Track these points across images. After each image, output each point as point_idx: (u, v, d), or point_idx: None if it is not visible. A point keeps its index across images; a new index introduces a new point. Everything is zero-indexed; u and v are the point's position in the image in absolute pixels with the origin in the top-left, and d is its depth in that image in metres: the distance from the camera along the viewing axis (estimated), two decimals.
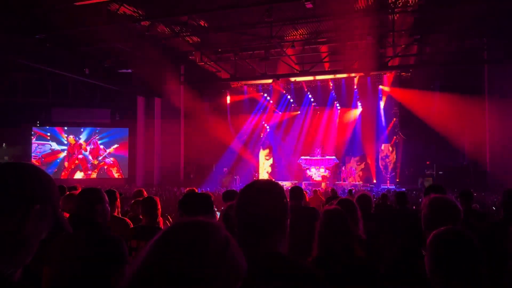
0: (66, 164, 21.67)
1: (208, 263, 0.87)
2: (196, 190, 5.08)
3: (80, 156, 21.79)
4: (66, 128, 21.92)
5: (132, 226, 3.83)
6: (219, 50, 16.87)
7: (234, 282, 0.91)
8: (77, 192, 3.48)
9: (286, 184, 17.01)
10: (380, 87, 20.53)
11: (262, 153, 23.48)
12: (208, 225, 0.94)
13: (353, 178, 21.50)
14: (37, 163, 20.42)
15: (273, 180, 1.69)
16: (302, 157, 22.64)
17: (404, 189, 17.45)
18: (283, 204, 1.53)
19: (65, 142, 21.83)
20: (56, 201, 1.12)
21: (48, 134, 21.70)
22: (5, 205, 1.01)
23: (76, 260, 2.38)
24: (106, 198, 2.74)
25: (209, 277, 0.86)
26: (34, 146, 21.56)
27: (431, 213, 2.13)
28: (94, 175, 21.84)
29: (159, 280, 0.84)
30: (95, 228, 2.56)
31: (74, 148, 21.86)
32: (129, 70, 18.62)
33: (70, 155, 21.78)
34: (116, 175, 22.00)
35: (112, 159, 22.15)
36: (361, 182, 20.85)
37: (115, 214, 3.82)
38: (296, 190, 4.15)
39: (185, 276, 0.84)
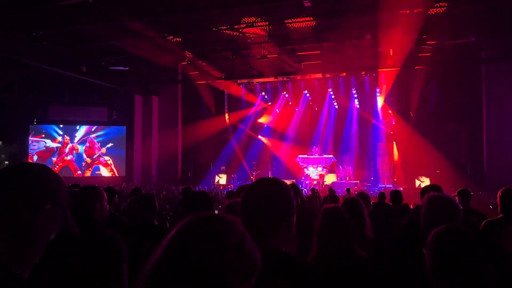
0: (54, 160, 21.58)
1: (227, 256, 0.88)
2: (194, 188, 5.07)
3: (69, 157, 21.71)
4: (62, 126, 21.84)
5: (128, 224, 3.82)
6: (217, 48, 16.84)
7: (250, 275, 0.93)
8: (77, 189, 3.47)
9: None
10: (378, 86, 20.53)
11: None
12: (227, 219, 0.96)
13: (350, 177, 21.51)
14: (30, 161, 20.49)
15: (279, 178, 1.69)
16: (300, 156, 22.64)
17: (401, 188, 17.52)
18: (288, 203, 1.53)
19: (59, 140, 21.78)
20: (66, 203, 1.14)
21: (43, 131, 21.62)
22: (17, 203, 1.03)
23: (75, 259, 2.37)
24: (105, 196, 2.74)
25: (228, 270, 0.87)
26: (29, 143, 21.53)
27: (430, 211, 2.12)
28: (88, 174, 21.79)
29: (179, 273, 0.85)
30: (94, 226, 2.56)
31: (65, 148, 21.80)
32: (127, 68, 18.58)
33: (60, 154, 21.72)
34: (109, 174, 21.95)
35: (106, 157, 22.11)
36: (358, 181, 20.87)
37: (112, 211, 3.81)
38: (293, 188, 4.13)
39: (205, 269, 0.85)
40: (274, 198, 1.50)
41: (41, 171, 1.12)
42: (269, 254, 1.41)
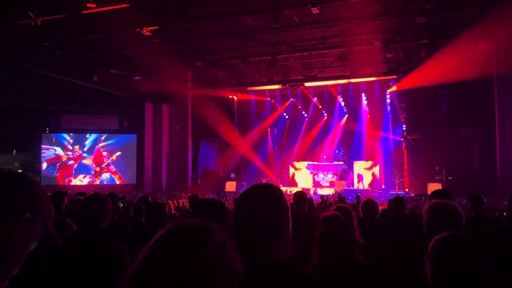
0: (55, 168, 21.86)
1: (203, 265, 0.87)
2: (199, 196, 5.07)
3: (70, 162, 21.97)
4: (72, 134, 22.10)
5: (132, 231, 3.83)
6: (227, 56, 16.92)
7: (229, 285, 0.91)
8: (82, 197, 3.50)
9: (293, 190, 16.90)
10: (388, 92, 20.40)
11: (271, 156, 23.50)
12: (204, 227, 0.94)
13: (361, 184, 21.35)
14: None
15: (273, 184, 1.63)
16: (310, 163, 22.56)
17: (412, 194, 17.30)
18: (282, 209, 1.48)
19: (70, 148, 22.07)
20: (47, 213, 1.10)
21: (54, 139, 21.92)
22: None
23: (79, 267, 2.38)
24: (111, 204, 2.75)
25: (204, 279, 0.86)
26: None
27: (431, 219, 2.09)
28: (97, 182, 21.98)
29: (155, 283, 0.84)
30: (99, 235, 2.57)
31: (71, 156, 22.12)
32: (138, 77, 18.78)
33: (64, 162, 22.03)
34: (117, 182, 22.09)
35: (112, 167, 22.31)
36: (369, 188, 20.69)
37: (115, 218, 3.83)
38: (298, 196, 4.05)
39: (181, 279, 0.84)
40: (267, 205, 1.45)
41: (20, 179, 1.08)
42: (267, 265, 1.38)
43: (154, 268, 0.86)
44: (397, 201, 5.13)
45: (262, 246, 1.41)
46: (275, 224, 1.44)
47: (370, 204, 4.44)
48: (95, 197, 2.73)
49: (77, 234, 2.61)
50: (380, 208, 6.17)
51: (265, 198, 1.48)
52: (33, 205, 1.06)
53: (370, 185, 21.28)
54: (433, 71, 16.96)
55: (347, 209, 2.75)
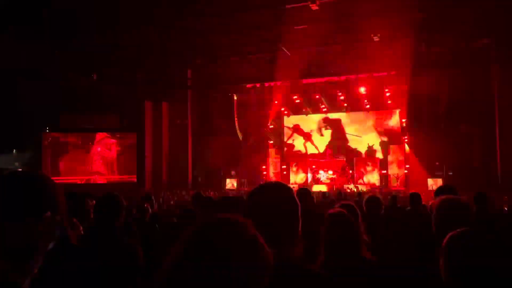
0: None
1: (242, 256, 0.90)
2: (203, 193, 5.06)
3: (71, 161, 22.03)
4: (72, 133, 22.09)
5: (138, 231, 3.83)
6: (227, 53, 16.90)
7: (264, 276, 0.94)
8: (86, 198, 3.51)
9: (295, 186, 16.92)
10: (387, 88, 20.36)
11: (271, 153, 23.47)
12: (238, 221, 0.97)
13: (362, 180, 21.36)
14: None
15: (283, 183, 1.67)
16: (310, 159, 22.56)
17: (413, 191, 17.31)
18: (293, 208, 1.51)
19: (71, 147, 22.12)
20: (64, 212, 1.13)
21: (54, 138, 21.93)
22: (17, 212, 1.02)
23: (94, 266, 2.37)
24: (125, 203, 2.76)
25: (241, 271, 0.88)
26: None
27: (441, 215, 2.08)
28: (97, 180, 21.98)
29: (193, 275, 0.86)
30: (114, 233, 2.57)
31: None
32: (137, 75, 18.76)
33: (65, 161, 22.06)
34: (118, 180, 22.04)
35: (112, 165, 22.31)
36: (369, 184, 20.70)
37: None
38: (302, 192, 4.06)
39: (219, 271, 0.86)
40: (279, 203, 1.48)
41: (40, 179, 1.11)
42: (278, 263, 1.39)
43: (191, 260, 0.88)
44: (414, 197, 5.13)
45: (272, 245, 1.42)
46: (286, 223, 1.48)
47: (373, 201, 4.44)
48: (110, 196, 2.73)
49: (92, 232, 2.61)
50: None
51: (276, 197, 1.51)
52: (52, 204, 1.09)
53: (370, 181, 21.28)
54: (433, 66, 16.98)
55: (352, 206, 2.76)
